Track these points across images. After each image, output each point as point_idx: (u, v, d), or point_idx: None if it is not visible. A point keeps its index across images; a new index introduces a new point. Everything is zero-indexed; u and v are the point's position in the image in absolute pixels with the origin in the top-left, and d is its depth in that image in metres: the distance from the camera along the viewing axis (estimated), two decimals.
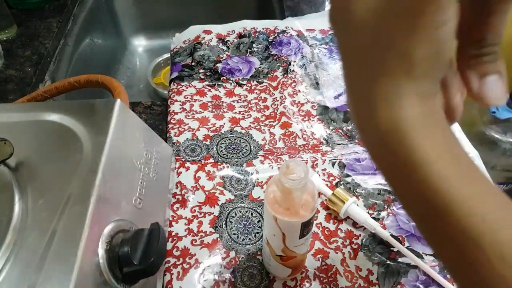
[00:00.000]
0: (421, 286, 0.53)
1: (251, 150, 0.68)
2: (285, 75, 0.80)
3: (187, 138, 0.69)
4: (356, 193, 0.62)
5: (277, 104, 0.76)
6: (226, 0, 1.21)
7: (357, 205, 0.59)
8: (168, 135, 0.70)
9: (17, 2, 0.91)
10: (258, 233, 0.58)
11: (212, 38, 0.89)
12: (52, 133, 0.47)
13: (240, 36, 0.89)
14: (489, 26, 0.24)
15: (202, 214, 0.60)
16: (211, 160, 0.66)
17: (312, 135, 0.71)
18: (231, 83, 0.80)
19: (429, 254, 0.56)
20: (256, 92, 0.79)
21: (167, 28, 1.21)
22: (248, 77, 0.81)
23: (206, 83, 0.80)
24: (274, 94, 0.78)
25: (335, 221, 0.60)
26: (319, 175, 0.65)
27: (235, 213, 0.60)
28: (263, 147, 0.69)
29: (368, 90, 0.24)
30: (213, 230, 0.58)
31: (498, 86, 0.24)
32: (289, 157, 0.67)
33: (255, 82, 0.80)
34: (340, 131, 0.72)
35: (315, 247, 0.57)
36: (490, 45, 0.24)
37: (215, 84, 0.80)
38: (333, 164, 0.66)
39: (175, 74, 0.82)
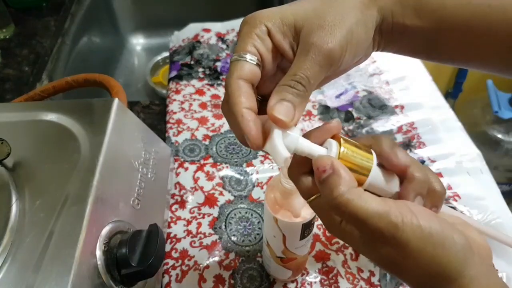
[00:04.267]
0: None
1: (251, 150, 0.68)
2: None
3: (186, 138, 0.69)
4: None
5: None
6: None
7: None
8: (166, 135, 0.70)
9: (14, 1, 0.91)
10: (258, 234, 0.57)
11: (211, 36, 0.88)
12: (50, 133, 0.46)
13: None
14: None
15: (201, 215, 0.59)
16: (210, 160, 0.66)
17: None
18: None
19: None
20: None
21: (166, 26, 1.20)
22: None
23: (205, 82, 0.80)
24: None
25: None
26: None
27: (235, 214, 0.59)
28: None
29: None
30: (212, 231, 0.58)
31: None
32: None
33: None
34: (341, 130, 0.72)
35: (316, 249, 0.56)
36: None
37: (214, 83, 0.79)
38: None
39: (174, 73, 0.81)
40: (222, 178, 0.64)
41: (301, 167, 0.30)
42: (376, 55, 0.85)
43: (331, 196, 0.27)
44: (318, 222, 0.59)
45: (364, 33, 0.31)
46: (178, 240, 0.57)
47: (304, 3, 0.31)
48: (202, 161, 0.65)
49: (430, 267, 0.26)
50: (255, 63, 0.30)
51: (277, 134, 0.28)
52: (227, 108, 0.30)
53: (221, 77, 0.81)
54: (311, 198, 0.30)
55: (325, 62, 0.29)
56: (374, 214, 0.26)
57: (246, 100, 0.29)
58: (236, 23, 0.91)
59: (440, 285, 0.27)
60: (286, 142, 0.28)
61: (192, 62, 0.83)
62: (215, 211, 0.60)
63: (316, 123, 0.72)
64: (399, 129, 0.71)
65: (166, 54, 1.03)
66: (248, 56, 0.30)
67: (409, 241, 0.26)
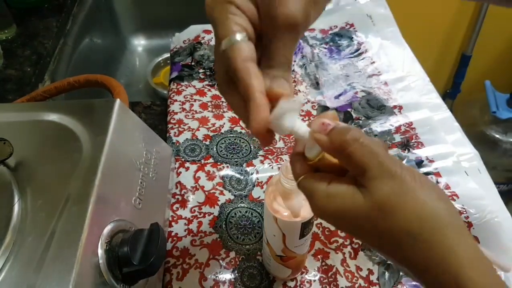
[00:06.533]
0: (421, 286, 0.53)
1: (251, 150, 0.68)
2: None
3: (187, 138, 0.69)
4: None
5: None
6: None
7: None
8: (167, 135, 0.70)
9: (16, 1, 0.91)
10: (258, 233, 0.58)
11: (212, 37, 0.89)
12: (52, 133, 0.47)
13: None
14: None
15: (202, 214, 0.60)
16: (211, 160, 0.66)
17: None
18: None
19: None
20: None
21: (167, 27, 1.20)
22: None
23: (206, 82, 0.80)
24: None
25: None
26: None
27: (235, 213, 0.60)
28: (263, 147, 0.69)
29: None
30: (213, 231, 0.58)
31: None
32: (289, 157, 0.66)
33: None
34: None
35: (315, 247, 0.57)
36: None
37: (215, 84, 0.80)
38: None
39: (174, 74, 0.81)
40: (222, 177, 0.64)
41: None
42: (376, 55, 0.85)
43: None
44: (318, 221, 0.59)
45: None
46: (179, 239, 0.57)
47: None
48: (202, 161, 0.66)
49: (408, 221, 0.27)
50: (247, 40, 0.30)
51: (283, 110, 0.30)
52: (230, 88, 0.31)
53: None
54: (300, 178, 0.32)
55: (295, 36, 0.31)
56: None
57: (258, 84, 0.30)
58: None
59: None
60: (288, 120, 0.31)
61: (193, 63, 0.84)
62: (215, 211, 0.60)
63: None
64: (398, 129, 0.72)
65: (167, 55, 1.03)
66: (239, 36, 0.30)
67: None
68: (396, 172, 0.28)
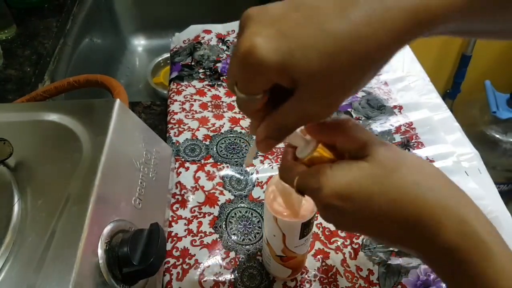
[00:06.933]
0: (421, 286, 0.53)
1: None
2: None
3: (187, 138, 0.69)
4: None
5: None
6: None
7: None
8: (167, 135, 0.70)
9: (16, 1, 0.91)
10: (258, 233, 0.58)
11: (212, 37, 0.89)
12: (52, 133, 0.47)
13: None
14: None
15: (202, 214, 0.60)
16: (211, 160, 0.66)
17: None
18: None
19: None
20: None
21: (167, 27, 1.21)
22: None
23: (206, 82, 0.80)
24: None
25: None
26: None
27: (235, 213, 0.60)
28: (261, 152, 0.69)
29: None
30: (212, 231, 0.58)
31: None
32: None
33: None
34: None
35: (315, 248, 0.57)
36: None
37: (215, 84, 0.80)
38: None
39: (174, 74, 0.81)
40: (222, 177, 0.64)
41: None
42: None
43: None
44: (317, 221, 0.59)
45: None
46: (179, 239, 0.57)
47: None
48: (202, 161, 0.66)
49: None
50: None
51: None
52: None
53: (221, 78, 0.81)
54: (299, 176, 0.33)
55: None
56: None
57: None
58: (236, 25, 0.91)
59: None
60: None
61: (193, 63, 0.84)
62: (215, 211, 0.60)
63: None
64: (398, 129, 0.72)
65: (167, 55, 1.03)
66: None
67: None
68: (389, 143, 0.32)
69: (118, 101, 0.48)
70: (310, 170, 0.32)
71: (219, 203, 0.61)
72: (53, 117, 0.47)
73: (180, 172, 0.64)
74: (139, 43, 1.25)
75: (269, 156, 0.67)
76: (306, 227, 0.44)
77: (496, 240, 0.29)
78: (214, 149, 0.68)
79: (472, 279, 0.28)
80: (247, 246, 0.57)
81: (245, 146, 0.69)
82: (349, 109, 0.75)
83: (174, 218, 0.59)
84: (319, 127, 0.32)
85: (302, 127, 0.32)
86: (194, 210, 0.60)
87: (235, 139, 0.70)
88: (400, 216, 0.29)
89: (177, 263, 0.55)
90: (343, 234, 0.58)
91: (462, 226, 0.28)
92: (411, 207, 0.29)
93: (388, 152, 0.30)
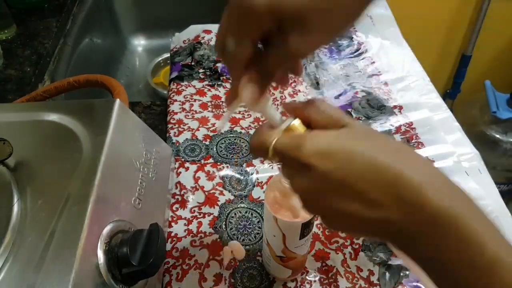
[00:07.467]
0: (421, 286, 0.53)
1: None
2: None
3: (187, 138, 0.69)
4: None
5: (277, 104, 0.75)
6: None
7: None
8: (167, 135, 0.70)
9: (16, 1, 0.91)
10: (258, 233, 0.58)
11: (212, 37, 0.89)
12: (51, 133, 0.47)
13: None
14: None
15: (202, 215, 0.60)
16: (211, 160, 0.66)
17: None
18: (231, 83, 0.80)
19: None
20: None
21: (167, 27, 1.21)
22: None
23: (206, 82, 0.80)
24: (274, 94, 0.78)
25: None
26: None
27: (235, 214, 0.60)
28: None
29: None
30: (212, 231, 0.58)
31: None
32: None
33: None
34: None
35: (316, 248, 0.57)
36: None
37: (215, 84, 0.80)
38: None
39: (174, 74, 0.81)
40: (222, 177, 0.64)
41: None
42: (376, 55, 0.85)
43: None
44: (318, 221, 0.59)
45: None
46: (179, 239, 0.57)
47: None
48: (202, 161, 0.66)
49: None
50: None
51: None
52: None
53: (221, 78, 0.81)
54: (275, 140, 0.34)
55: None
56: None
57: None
58: None
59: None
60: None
61: (193, 63, 0.84)
62: (215, 211, 0.60)
63: None
64: (398, 129, 0.72)
65: (167, 55, 1.03)
66: None
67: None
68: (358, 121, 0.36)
69: (118, 101, 0.48)
70: (289, 133, 0.33)
71: (219, 203, 0.61)
72: (53, 117, 0.47)
73: (180, 172, 0.64)
74: (139, 43, 1.25)
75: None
76: (306, 227, 0.44)
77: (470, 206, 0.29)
78: (214, 149, 0.68)
79: (461, 244, 0.27)
80: (247, 247, 0.57)
81: (245, 146, 0.69)
82: (349, 109, 0.75)
83: (174, 218, 0.59)
84: (294, 106, 0.34)
85: (281, 109, 0.34)
86: (194, 210, 0.60)
87: (235, 139, 0.70)
88: (381, 175, 0.28)
89: (176, 264, 0.55)
90: (343, 235, 0.58)
91: (447, 189, 0.28)
92: (392, 169, 0.28)
93: (362, 125, 0.33)
